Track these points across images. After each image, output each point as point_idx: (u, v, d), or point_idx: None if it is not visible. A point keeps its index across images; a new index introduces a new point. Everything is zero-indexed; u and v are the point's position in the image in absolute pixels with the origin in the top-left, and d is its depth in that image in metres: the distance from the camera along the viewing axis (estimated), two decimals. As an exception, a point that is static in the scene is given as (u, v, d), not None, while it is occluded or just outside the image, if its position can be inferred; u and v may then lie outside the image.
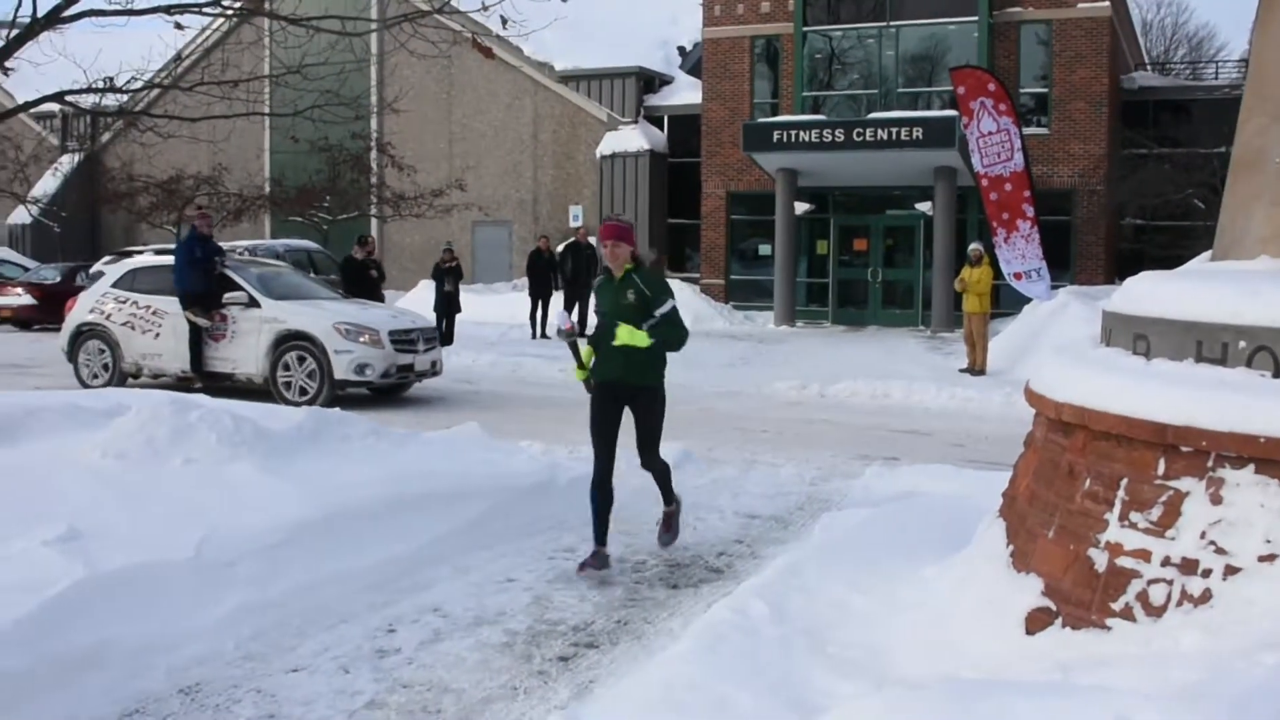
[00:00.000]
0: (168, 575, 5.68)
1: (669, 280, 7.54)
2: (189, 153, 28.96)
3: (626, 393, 6.99)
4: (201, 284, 14.65)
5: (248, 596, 5.87)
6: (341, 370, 14.07)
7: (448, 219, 32.23)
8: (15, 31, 8.40)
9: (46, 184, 38.09)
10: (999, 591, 4.86)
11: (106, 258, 28.37)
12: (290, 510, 6.65)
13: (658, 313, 6.88)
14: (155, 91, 10.87)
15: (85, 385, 14.93)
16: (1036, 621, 4.63)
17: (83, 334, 15.53)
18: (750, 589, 5.68)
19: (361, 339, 14.18)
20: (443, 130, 34.80)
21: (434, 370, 15.34)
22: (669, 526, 7.49)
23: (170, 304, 14.86)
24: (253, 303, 14.60)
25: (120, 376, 15.21)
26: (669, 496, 7.43)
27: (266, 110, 15.65)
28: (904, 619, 5.14)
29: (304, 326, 14.29)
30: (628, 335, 6.76)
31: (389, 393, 15.26)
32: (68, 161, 39.22)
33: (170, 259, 15.45)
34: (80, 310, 15.74)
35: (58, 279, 27.73)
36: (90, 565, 5.42)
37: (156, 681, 5.08)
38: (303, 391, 14.17)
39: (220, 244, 15.96)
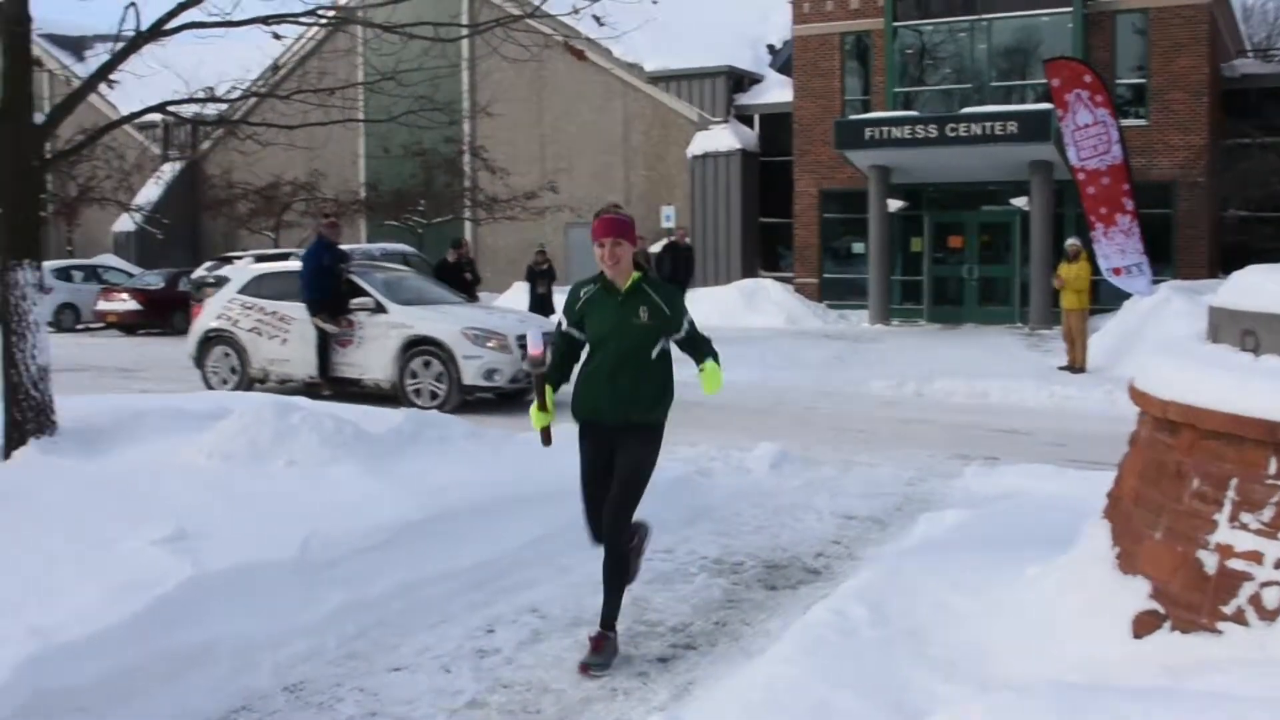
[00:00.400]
0: (272, 574, 5.79)
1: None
2: (286, 159, 29.60)
3: (617, 432, 5.47)
4: (328, 290, 14.62)
5: (350, 596, 5.95)
6: (470, 375, 13.89)
7: (540, 221, 32.42)
8: (120, 45, 8.59)
9: (149, 192, 39.14)
10: (1105, 594, 4.76)
11: (207, 263, 29.11)
12: (390, 511, 6.74)
13: (686, 332, 5.52)
14: (253, 100, 11.06)
15: (212, 390, 14.86)
16: (1144, 625, 4.53)
17: (210, 340, 15.57)
18: (850, 590, 5.63)
19: (489, 344, 13.96)
20: (534, 133, 35.02)
21: None
22: (599, 647, 5.41)
23: (296, 310, 14.81)
24: (379, 308, 14.51)
25: (248, 382, 15.21)
26: (614, 601, 5.50)
27: (362, 117, 15.84)
28: (1006, 621, 5.06)
29: (431, 332, 14.16)
30: (715, 379, 5.43)
31: (513, 397, 14.80)
32: (169, 170, 40.19)
33: (285, 265, 15.50)
34: (207, 316, 15.78)
35: (161, 285, 28.46)
36: (198, 564, 5.55)
37: (262, 679, 5.18)
38: (432, 396, 14.00)
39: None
